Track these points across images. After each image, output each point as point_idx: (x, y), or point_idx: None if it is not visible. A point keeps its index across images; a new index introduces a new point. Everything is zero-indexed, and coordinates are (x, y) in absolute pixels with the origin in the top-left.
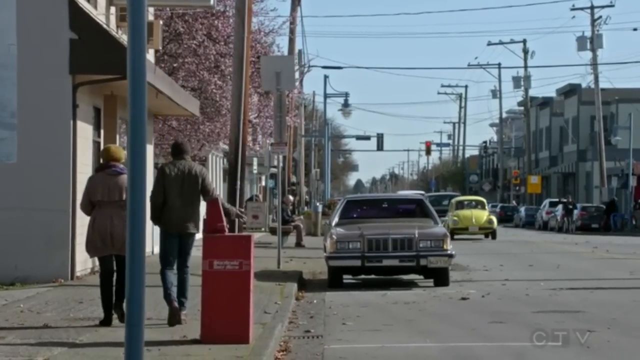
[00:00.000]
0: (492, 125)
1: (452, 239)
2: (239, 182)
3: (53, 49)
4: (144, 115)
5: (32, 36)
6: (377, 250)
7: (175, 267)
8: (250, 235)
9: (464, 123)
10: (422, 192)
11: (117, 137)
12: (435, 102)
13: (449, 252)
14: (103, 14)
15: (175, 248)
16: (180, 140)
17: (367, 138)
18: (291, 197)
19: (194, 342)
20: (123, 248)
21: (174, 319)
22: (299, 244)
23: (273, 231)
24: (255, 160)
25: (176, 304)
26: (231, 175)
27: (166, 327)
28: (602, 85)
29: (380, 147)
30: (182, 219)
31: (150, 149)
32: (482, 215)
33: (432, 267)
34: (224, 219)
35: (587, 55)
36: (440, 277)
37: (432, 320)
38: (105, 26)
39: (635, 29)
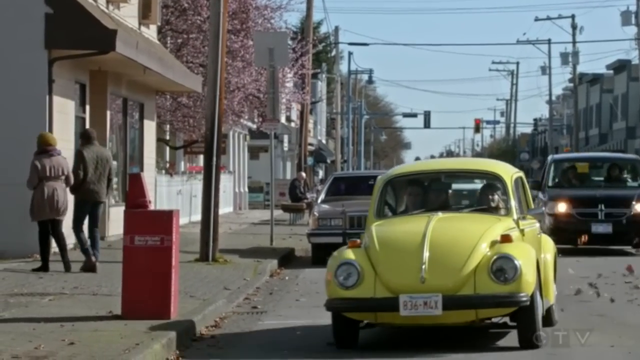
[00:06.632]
0: (548, 102)
1: None
2: (215, 159)
3: (28, 24)
4: None
5: (6, 11)
6: (358, 227)
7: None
8: (173, 211)
9: (516, 100)
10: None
11: (108, 113)
12: (487, 79)
13: None
14: None
15: (87, 214)
16: (87, 129)
17: (414, 115)
18: (303, 174)
19: (115, 317)
20: (63, 213)
21: (87, 267)
22: None
23: (285, 208)
24: (286, 138)
25: (92, 258)
26: (207, 152)
27: (97, 303)
28: None
29: (427, 124)
30: (96, 190)
31: (152, 125)
32: None
33: None
34: (147, 194)
35: (632, 30)
36: None
37: None
38: (89, 0)
39: None
